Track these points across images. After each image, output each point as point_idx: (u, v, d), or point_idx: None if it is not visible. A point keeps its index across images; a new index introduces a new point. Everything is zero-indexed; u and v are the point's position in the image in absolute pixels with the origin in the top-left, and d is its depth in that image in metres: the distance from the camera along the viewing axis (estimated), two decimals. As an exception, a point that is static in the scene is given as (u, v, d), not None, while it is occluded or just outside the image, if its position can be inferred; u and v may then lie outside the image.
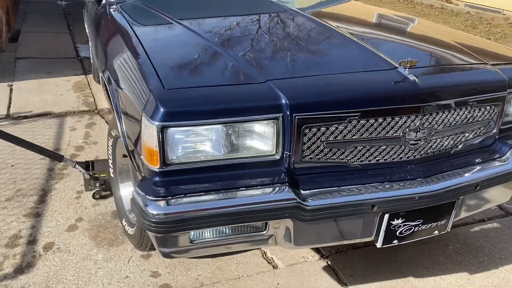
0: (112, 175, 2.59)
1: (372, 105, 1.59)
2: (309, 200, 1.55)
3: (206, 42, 2.00)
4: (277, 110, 1.54)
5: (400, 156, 1.72)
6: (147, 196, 1.50)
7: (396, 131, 1.66)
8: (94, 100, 4.73)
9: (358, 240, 1.75)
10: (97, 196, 2.93)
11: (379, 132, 1.65)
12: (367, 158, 1.69)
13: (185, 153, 1.54)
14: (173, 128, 1.49)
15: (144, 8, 2.64)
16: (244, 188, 1.55)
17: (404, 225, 1.68)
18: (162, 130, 1.48)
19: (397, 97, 1.62)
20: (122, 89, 1.81)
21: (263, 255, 2.42)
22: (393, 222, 1.68)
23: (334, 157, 1.65)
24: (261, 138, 1.58)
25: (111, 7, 2.69)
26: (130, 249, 2.49)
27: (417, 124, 1.67)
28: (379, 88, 1.64)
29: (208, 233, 1.56)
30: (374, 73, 1.72)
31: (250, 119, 1.53)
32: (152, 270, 2.34)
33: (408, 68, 1.70)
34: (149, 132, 1.50)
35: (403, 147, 1.70)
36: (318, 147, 1.63)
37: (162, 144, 1.49)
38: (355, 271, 2.33)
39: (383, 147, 1.68)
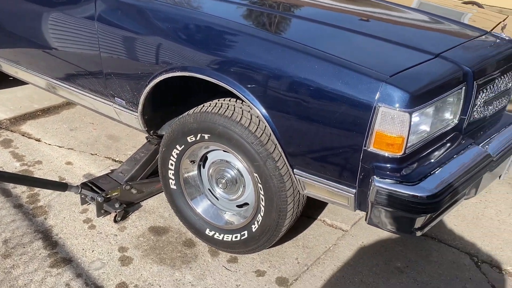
0: (173, 186, 2.28)
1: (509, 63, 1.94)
2: (490, 151, 1.83)
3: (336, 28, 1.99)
4: (463, 80, 1.73)
5: (503, 104, 2.12)
6: (406, 183, 1.53)
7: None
8: (-21, 111, 3.73)
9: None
10: (119, 219, 2.52)
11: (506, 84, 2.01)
12: (493, 107, 2.03)
13: (415, 135, 1.61)
14: (417, 112, 1.55)
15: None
16: (455, 156, 1.72)
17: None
18: (410, 116, 1.51)
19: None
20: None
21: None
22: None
23: (484, 111, 1.94)
24: (450, 109, 1.75)
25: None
26: (210, 258, 2.30)
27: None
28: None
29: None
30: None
31: (452, 92, 1.68)
32: (253, 270, 2.25)
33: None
34: (393, 120, 1.51)
35: (506, 96, 2.11)
36: (480, 106, 1.89)
37: (408, 129, 1.52)
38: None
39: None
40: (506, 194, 3.04)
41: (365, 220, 1.71)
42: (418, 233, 1.62)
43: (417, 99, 1.52)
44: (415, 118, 1.56)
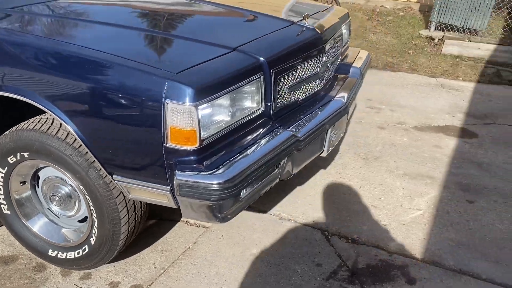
0: (7, 211, 2.18)
1: (310, 50, 2.08)
2: (299, 133, 1.96)
3: (138, 30, 2.00)
4: (259, 70, 1.84)
5: (317, 87, 2.29)
6: (203, 173, 1.59)
7: (319, 65, 2.22)
8: None
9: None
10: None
11: (313, 69, 2.17)
12: (304, 92, 2.18)
13: (211, 126, 1.68)
14: (204, 105, 1.61)
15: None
16: (260, 141, 1.82)
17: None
18: (197, 109, 1.58)
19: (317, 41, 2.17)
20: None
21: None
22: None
23: (292, 96, 2.08)
24: (250, 97, 1.85)
25: None
26: (61, 278, 2.25)
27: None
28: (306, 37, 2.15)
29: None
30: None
31: (247, 82, 1.78)
32: (107, 283, 2.23)
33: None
34: (182, 115, 1.57)
35: (319, 80, 2.28)
36: (285, 92, 2.02)
37: (198, 122, 1.59)
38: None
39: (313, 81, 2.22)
40: (359, 169, 3.29)
41: (182, 214, 1.76)
42: (229, 218, 1.70)
43: (202, 93, 1.60)
44: (205, 110, 1.63)
